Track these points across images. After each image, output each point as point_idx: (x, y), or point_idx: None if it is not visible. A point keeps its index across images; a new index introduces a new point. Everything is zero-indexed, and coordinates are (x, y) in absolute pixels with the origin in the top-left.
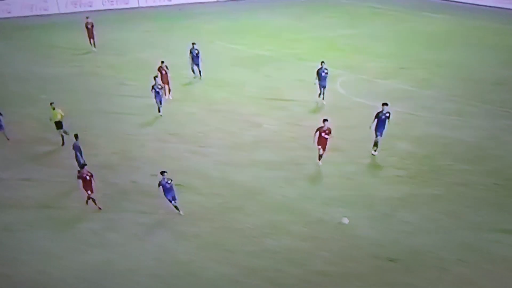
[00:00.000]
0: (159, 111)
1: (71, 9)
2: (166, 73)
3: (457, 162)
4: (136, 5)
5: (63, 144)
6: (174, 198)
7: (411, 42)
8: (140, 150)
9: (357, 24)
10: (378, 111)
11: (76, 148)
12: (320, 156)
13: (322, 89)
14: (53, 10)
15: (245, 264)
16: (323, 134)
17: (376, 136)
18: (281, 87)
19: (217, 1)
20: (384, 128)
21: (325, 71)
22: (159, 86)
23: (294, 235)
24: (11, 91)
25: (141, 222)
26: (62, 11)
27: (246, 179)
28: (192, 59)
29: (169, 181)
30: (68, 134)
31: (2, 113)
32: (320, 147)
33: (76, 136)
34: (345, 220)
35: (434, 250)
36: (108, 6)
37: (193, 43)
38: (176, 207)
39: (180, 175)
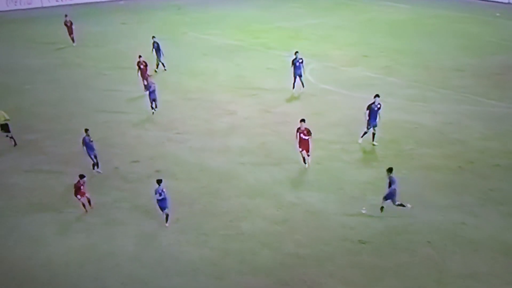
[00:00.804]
0: (152, 109)
1: (53, 3)
2: (144, 67)
3: (421, 146)
4: None
5: (15, 144)
6: (163, 208)
7: (373, 31)
8: (120, 138)
9: (321, 14)
10: (370, 102)
11: (84, 143)
12: (304, 159)
13: (297, 77)
14: (37, 4)
15: (222, 247)
16: (302, 135)
17: (368, 128)
18: (251, 76)
19: None
20: (376, 119)
21: (300, 60)
22: (153, 84)
23: (268, 218)
24: None
25: (122, 207)
26: (45, 5)
27: (220, 165)
28: (156, 51)
29: (163, 191)
30: (12, 139)
31: None
32: (301, 150)
33: (86, 130)
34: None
35: (402, 232)
36: (88, 0)
37: (153, 36)
38: (166, 217)
39: (159, 161)
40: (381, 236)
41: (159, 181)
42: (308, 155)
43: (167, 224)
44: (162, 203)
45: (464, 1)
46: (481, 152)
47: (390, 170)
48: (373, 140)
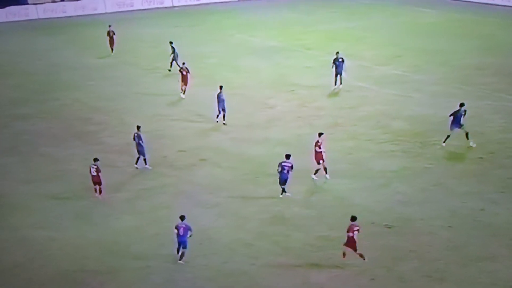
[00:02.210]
0: (224, 118)
1: (116, 9)
2: (186, 74)
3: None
4: (170, 5)
5: None
6: (183, 245)
7: (403, 33)
8: (169, 129)
9: (356, 18)
10: (455, 110)
11: (136, 139)
12: (317, 170)
13: (338, 75)
14: (101, 10)
15: (258, 230)
16: (317, 148)
17: (452, 130)
18: (290, 73)
19: (231, 1)
20: (461, 121)
21: (340, 59)
22: (222, 95)
23: (301, 203)
24: (62, 79)
25: (167, 192)
26: (108, 11)
27: (259, 154)
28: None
29: (182, 226)
30: None
31: None
32: (317, 162)
33: (138, 127)
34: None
35: (425, 217)
36: (146, 6)
37: (170, 42)
38: (181, 254)
39: (203, 151)
40: (405, 221)
41: (182, 217)
42: (323, 165)
43: (181, 261)
44: (181, 239)
45: (487, 6)
46: (501, 143)
47: (287, 156)
48: (467, 139)
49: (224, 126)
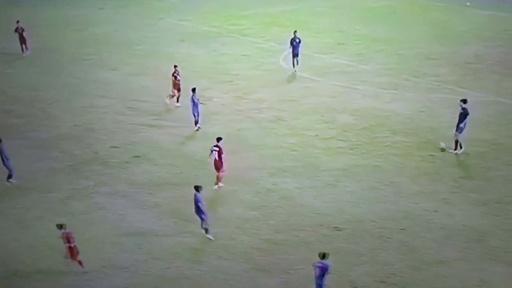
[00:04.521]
0: (195, 124)
1: None
2: (178, 78)
3: (394, 134)
4: None
5: None
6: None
7: (346, 18)
8: (100, 123)
9: (295, 0)
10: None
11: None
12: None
13: (295, 57)
14: None
15: (201, 232)
16: (216, 155)
17: (456, 132)
18: (227, 62)
19: None
20: (461, 123)
21: (297, 40)
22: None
23: (245, 204)
24: None
25: (102, 192)
26: None
27: (198, 150)
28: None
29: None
30: None
31: None
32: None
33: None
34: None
35: (376, 219)
36: None
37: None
38: None
39: (137, 147)
40: (355, 223)
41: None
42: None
43: None
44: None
45: None
46: (452, 140)
47: (196, 188)
48: (455, 149)
49: (158, 120)
